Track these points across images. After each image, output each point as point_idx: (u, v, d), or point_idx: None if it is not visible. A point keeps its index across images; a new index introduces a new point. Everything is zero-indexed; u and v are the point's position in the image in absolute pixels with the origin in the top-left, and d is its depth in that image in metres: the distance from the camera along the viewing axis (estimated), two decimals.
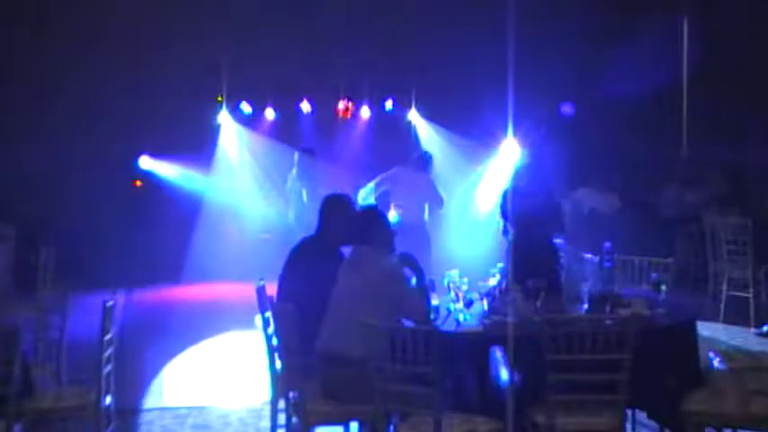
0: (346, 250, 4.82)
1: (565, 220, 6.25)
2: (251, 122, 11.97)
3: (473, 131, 11.06)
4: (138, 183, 11.68)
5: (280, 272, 4.92)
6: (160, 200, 11.29)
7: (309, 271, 4.72)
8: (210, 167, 11.82)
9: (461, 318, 4.55)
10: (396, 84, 11.73)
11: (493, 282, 4.94)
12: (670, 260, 5.51)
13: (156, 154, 11.59)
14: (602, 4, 11.28)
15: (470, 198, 11.29)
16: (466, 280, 4.88)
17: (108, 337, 4.44)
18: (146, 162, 11.63)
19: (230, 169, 11.96)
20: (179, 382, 6.73)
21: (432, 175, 8.62)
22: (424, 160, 8.61)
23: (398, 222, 7.90)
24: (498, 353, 4.01)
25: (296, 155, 10.09)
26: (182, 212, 11.32)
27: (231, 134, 11.97)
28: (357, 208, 5.03)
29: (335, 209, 4.94)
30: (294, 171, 10.02)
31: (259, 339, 4.74)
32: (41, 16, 10.34)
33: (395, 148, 11.12)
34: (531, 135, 7.90)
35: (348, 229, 4.82)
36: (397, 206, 8.23)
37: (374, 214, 4.65)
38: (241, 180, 11.90)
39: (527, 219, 5.71)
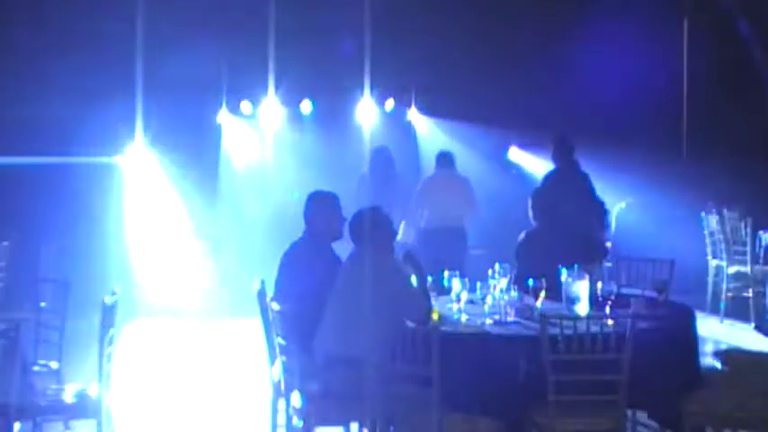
0: (338, 246, 4.83)
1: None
2: (250, 122, 11.94)
3: (473, 131, 11.05)
4: None
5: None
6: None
7: (303, 272, 4.71)
8: (211, 167, 11.79)
9: (462, 318, 4.55)
10: (396, 84, 11.71)
11: (493, 282, 4.93)
12: (670, 260, 5.50)
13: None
14: (603, 4, 11.27)
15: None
16: (466, 280, 4.87)
17: (108, 334, 4.44)
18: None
19: (232, 169, 11.93)
20: (179, 380, 6.73)
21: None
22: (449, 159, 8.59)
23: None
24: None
25: None
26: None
27: (232, 134, 11.95)
28: (338, 204, 4.98)
29: (319, 207, 4.92)
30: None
31: (259, 337, 4.74)
32: (41, 16, 10.32)
33: (395, 148, 11.09)
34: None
35: (335, 225, 4.84)
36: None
37: (375, 214, 4.65)
38: (243, 180, 11.88)
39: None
